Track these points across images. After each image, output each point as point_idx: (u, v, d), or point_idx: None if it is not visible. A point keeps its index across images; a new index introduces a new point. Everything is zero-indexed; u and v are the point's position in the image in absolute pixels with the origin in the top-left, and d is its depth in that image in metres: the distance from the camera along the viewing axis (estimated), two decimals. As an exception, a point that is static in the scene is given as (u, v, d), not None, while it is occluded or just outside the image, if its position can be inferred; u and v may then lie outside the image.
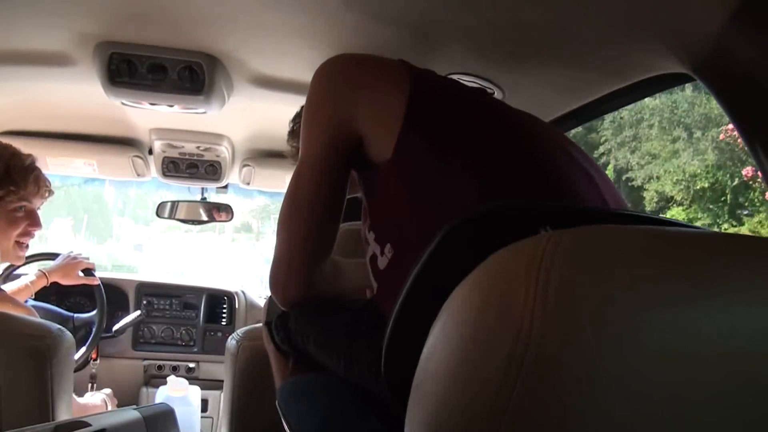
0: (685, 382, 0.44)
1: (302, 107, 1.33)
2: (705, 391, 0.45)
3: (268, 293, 1.51)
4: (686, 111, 12.41)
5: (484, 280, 0.51)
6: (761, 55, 0.92)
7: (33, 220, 1.89)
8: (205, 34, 1.47)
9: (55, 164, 2.60)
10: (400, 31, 1.33)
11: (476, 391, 0.45)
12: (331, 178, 1.12)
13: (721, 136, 10.38)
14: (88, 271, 2.48)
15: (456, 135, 1.00)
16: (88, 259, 2.51)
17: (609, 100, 1.46)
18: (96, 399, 2.29)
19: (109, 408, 2.30)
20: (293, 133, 1.66)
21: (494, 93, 1.49)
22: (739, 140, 9.48)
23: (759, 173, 1.14)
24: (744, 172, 9.57)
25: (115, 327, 2.77)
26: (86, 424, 1.18)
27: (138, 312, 2.94)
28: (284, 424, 1.17)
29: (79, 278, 2.46)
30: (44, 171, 2.42)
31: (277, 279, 1.17)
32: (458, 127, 1.01)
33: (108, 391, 2.48)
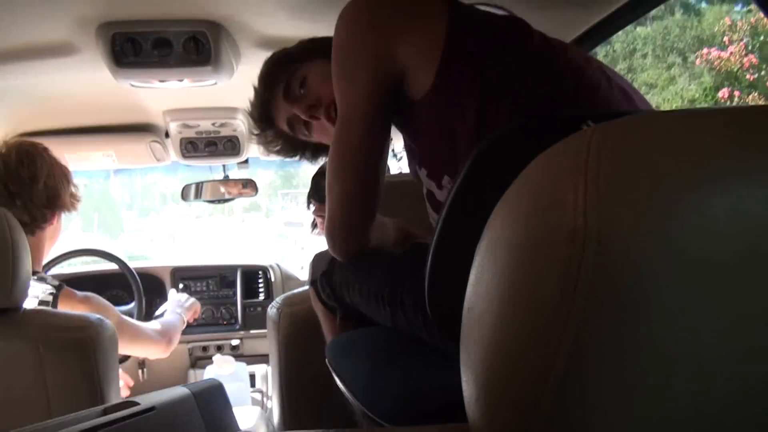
0: (752, 267, 0.41)
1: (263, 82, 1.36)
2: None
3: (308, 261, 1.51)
4: (678, 36, 12.23)
5: (528, 184, 0.47)
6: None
7: None
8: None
9: (74, 160, 2.58)
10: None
11: (535, 301, 0.42)
12: (380, 127, 1.10)
13: (698, 62, 10.19)
14: None
15: (494, 61, 0.99)
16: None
17: (629, 8, 1.39)
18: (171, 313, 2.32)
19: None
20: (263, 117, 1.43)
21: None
22: (717, 62, 9.29)
23: None
24: (720, 95, 9.39)
25: (156, 313, 2.80)
26: (135, 404, 1.17)
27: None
28: (337, 380, 1.16)
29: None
30: (63, 169, 2.44)
31: (335, 235, 1.17)
32: (496, 53, 1.00)
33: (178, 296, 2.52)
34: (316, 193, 1.90)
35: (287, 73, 1.33)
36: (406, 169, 2.00)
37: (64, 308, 1.73)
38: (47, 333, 1.42)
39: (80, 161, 2.61)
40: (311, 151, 1.52)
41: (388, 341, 1.12)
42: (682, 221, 0.39)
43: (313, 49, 1.34)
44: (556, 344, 0.41)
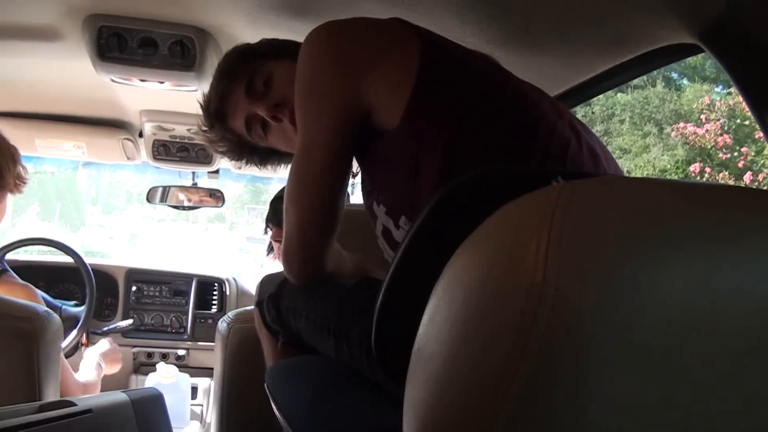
0: (698, 338, 0.41)
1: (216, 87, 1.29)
2: (717, 345, 0.42)
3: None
4: (657, 107, 12.55)
5: (492, 232, 0.48)
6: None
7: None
8: (197, 6, 1.43)
9: (44, 146, 2.55)
10: (394, 4, 1.29)
11: (487, 348, 0.42)
12: (342, 155, 1.08)
13: (673, 134, 10.47)
14: None
15: (466, 103, 0.97)
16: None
17: (614, 74, 1.42)
18: (91, 362, 2.23)
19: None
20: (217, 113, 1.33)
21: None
22: (692, 137, 9.56)
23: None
24: (692, 169, 9.64)
25: (105, 328, 2.77)
26: (71, 404, 1.15)
27: (130, 321, 2.95)
28: (273, 407, 1.14)
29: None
30: (33, 153, 2.40)
31: (291, 258, 1.14)
32: (469, 94, 0.98)
33: (104, 344, 2.34)
34: (274, 218, 1.88)
35: (252, 69, 1.26)
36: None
37: (2, 292, 1.68)
38: None
39: (50, 148, 2.58)
40: (260, 156, 1.44)
41: (329, 373, 1.10)
42: (636, 288, 0.40)
43: (283, 48, 1.29)
44: (502, 394, 0.41)
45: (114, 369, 2.31)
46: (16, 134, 1.88)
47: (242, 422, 1.68)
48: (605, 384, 0.40)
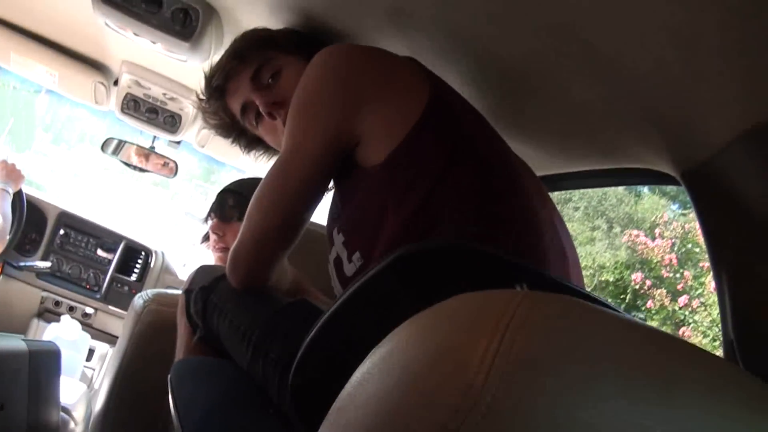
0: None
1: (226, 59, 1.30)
2: None
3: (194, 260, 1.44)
4: (613, 205, 12.82)
5: (446, 319, 0.46)
6: (752, 185, 0.91)
7: None
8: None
9: (18, 62, 2.47)
10: (408, 39, 1.28)
11: (407, 435, 0.41)
12: (321, 176, 1.06)
13: (624, 239, 10.74)
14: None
15: (454, 159, 0.96)
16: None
17: (591, 176, 1.44)
18: None
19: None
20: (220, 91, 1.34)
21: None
22: (641, 247, 9.80)
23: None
24: (634, 277, 9.89)
25: (22, 263, 2.68)
26: (-37, 341, 1.09)
27: (49, 263, 2.88)
28: (170, 400, 1.11)
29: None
30: (5, 65, 2.32)
31: (239, 262, 1.12)
32: (456, 155, 0.96)
33: None
34: (219, 209, 1.83)
35: (264, 57, 1.26)
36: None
37: None
38: None
39: (23, 66, 2.49)
40: (247, 140, 1.45)
41: (236, 385, 1.08)
42: (570, 420, 0.39)
43: (301, 45, 1.28)
44: None
45: (19, 184, 2.30)
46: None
47: (132, 404, 1.62)
48: None
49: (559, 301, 0.45)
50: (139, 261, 3.11)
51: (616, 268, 10.93)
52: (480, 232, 0.90)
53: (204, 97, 1.39)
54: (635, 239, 10.12)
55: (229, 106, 1.33)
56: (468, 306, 0.46)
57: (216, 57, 1.70)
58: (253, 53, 1.27)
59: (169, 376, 1.17)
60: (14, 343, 1.26)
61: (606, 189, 12.97)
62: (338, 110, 1.02)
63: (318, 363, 0.77)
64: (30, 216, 2.68)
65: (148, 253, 3.11)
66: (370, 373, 0.47)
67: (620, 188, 12.89)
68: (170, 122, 2.54)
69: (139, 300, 1.70)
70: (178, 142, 2.86)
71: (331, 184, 1.15)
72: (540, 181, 1.11)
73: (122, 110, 2.54)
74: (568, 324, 0.43)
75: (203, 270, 1.36)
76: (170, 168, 2.94)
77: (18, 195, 2.52)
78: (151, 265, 3.08)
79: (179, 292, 1.66)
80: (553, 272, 0.92)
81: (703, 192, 1.03)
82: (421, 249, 0.75)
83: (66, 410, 1.74)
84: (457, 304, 0.47)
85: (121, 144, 2.91)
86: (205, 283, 1.26)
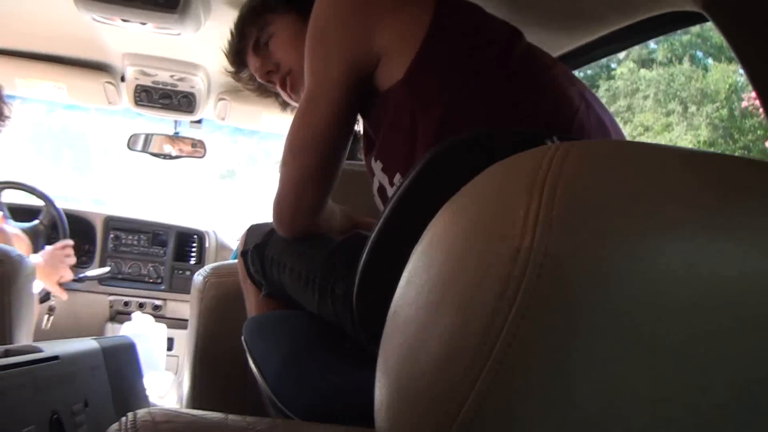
0: (696, 317, 0.38)
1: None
2: (715, 325, 0.39)
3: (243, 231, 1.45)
4: (683, 84, 12.31)
5: (478, 192, 0.44)
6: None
7: None
8: (183, -55, 1.37)
9: (24, 86, 2.49)
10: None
11: (465, 315, 0.39)
12: (346, 112, 1.05)
13: (744, 104, 10.28)
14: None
15: (473, 63, 0.95)
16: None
17: (615, 38, 1.38)
18: None
19: None
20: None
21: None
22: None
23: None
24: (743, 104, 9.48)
25: (81, 275, 2.74)
26: (38, 350, 1.12)
27: (107, 268, 2.93)
28: (250, 361, 1.12)
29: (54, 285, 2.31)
30: (12, 92, 2.34)
31: (283, 211, 1.12)
32: (477, 55, 0.96)
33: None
34: None
35: (258, 27, 1.28)
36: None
37: None
38: None
39: (30, 88, 2.51)
40: (282, 99, 1.46)
41: (310, 329, 1.08)
42: (629, 260, 0.37)
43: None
44: (480, 364, 0.38)
45: (49, 280, 2.25)
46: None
47: (215, 375, 1.66)
48: (591, 357, 0.37)
49: (593, 144, 0.42)
50: (194, 245, 3.15)
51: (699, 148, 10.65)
52: (513, 121, 0.89)
53: (232, 71, 1.45)
54: (754, 101, 9.75)
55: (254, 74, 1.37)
56: (498, 174, 0.44)
57: (208, 22, 1.69)
58: (248, 26, 1.30)
59: (242, 337, 1.19)
60: (86, 344, 1.30)
61: (672, 70, 12.43)
62: (354, 31, 1.01)
63: (376, 284, 0.77)
64: (77, 228, 2.73)
65: (201, 235, 3.15)
66: (415, 268, 0.46)
67: (686, 65, 12.33)
68: (185, 103, 2.54)
69: (198, 278, 1.73)
70: (199, 121, 2.87)
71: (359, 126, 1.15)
72: (563, 65, 1.07)
73: (136, 103, 2.55)
74: (611, 163, 0.40)
75: (253, 229, 1.38)
76: (200, 146, 2.95)
77: (56, 212, 2.56)
78: (206, 245, 3.13)
79: (234, 261, 1.68)
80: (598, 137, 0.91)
81: (730, 18, 0.98)
82: (449, 145, 0.73)
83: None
84: (486, 177, 0.45)
85: (147, 137, 2.93)
86: (257, 240, 1.27)
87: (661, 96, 12.41)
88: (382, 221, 0.77)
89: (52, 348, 1.17)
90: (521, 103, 0.92)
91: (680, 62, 12.41)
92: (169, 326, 2.92)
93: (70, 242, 2.36)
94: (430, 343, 0.41)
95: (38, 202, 2.66)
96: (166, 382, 2.27)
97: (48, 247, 2.30)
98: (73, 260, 2.33)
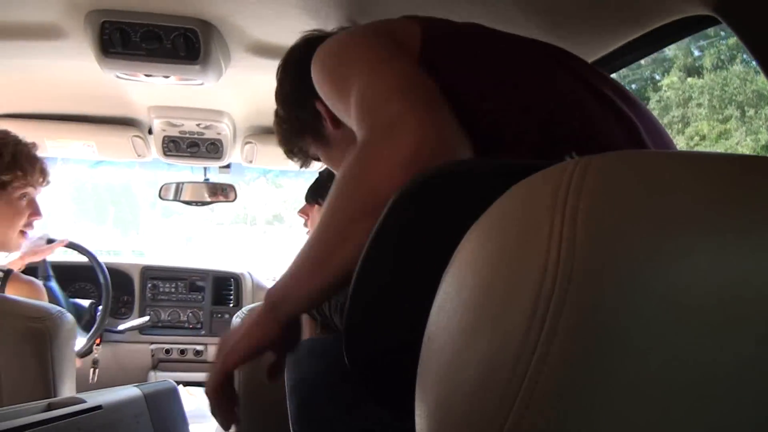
0: (728, 326, 0.38)
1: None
2: (747, 337, 0.39)
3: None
4: (738, 88, 12.00)
5: (502, 214, 0.45)
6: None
7: (35, 210, 1.89)
8: (199, -3, 1.41)
9: (54, 146, 2.55)
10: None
11: (498, 335, 0.40)
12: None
13: None
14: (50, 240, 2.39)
15: (469, 73, 0.88)
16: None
17: (626, 52, 1.38)
18: None
19: None
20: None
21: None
22: None
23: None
24: None
25: (122, 326, 2.79)
26: (81, 401, 1.14)
27: (147, 318, 2.98)
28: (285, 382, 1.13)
29: (45, 250, 2.36)
30: (43, 153, 2.40)
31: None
32: (472, 63, 0.89)
33: None
34: (307, 193, 1.80)
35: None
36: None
37: (12, 292, 1.70)
38: (4, 321, 1.39)
39: (60, 148, 2.57)
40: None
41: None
42: (656, 270, 0.37)
43: None
44: (516, 385, 0.39)
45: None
46: (25, 135, 1.89)
47: (259, 419, 1.66)
48: (625, 372, 0.38)
49: (614, 156, 0.42)
50: (231, 288, 3.18)
51: (759, 153, 10.41)
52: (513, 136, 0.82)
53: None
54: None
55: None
56: (520, 194, 0.45)
57: (229, 70, 1.72)
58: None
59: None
60: (128, 391, 1.31)
61: (725, 74, 12.05)
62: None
63: (364, 305, 0.71)
64: (116, 281, 2.78)
65: (237, 277, 3.18)
66: (446, 294, 0.47)
67: (738, 67, 11.95)
68: (213, 149, 2.59)
69: (236, 320, 1.74)
70: (228, 165, 2.91)
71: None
72: (579, 61, 1.00)
73: (165, 154, 2.60)
74: (631, 176, 0.40)
75: None
76: (228, 192, 3.00)
77: (97, 266, 2.60)
78: (243, 287, 3.15)
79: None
80: (621, 138, 0.84)
81: (743, 18, 0.97)
82: (416, 181, 0.68)
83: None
84: (509, 198, 0.45)
85: (179, 186, 2.98)
86: None
87: (716, 102, 12.10)
88: (360, 261, 0.73)
89: (94, 398, 1.19)
90: (524, 114, 0.84)
91: (730, 66, 12.02)
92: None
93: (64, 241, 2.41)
94: (467, 368, 0.42)
95: (81, 258, 2.70)
96: (210, 430, 2.27)
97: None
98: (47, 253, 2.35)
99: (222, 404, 0.97)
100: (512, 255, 0.41)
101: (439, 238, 0.53)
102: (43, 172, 1.89)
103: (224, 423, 0.99)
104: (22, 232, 1.88)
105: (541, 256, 0.39)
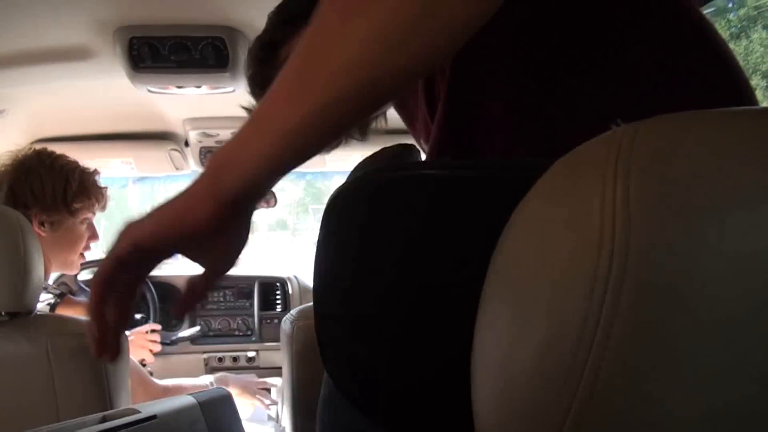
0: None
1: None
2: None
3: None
4: (760, 57, 11.67)
5: (548, 191, 0.43)
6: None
7: (93, 233, 1.96)
8: (224, 6, 1.41)
9: (94, 166, 2.58)
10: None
11: (555, 324, 0.38)
12: None
13: None
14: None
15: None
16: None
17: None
18: (204, 381, 2.27)
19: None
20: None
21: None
22: None
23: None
24: None
25: (174, 338, 2.82)
26: (135, 411, 1.14)
27: (198, 328, 3.01)
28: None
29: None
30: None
31: None
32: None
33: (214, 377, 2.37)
34: None
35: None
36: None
37: (65, 313, 1.73)
38: (58, 338, 1.41)
39: (100, 168, 2.60)
40: None
41: None
42: (718, 238, 0.35)
43: None
44: (578, 373, 0.37)
45: (244, 400, 2.42)
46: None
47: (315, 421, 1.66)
48: (693, 351, 0.35)
49: (661, 120, 0.40)
50: (278, 292, 3.19)
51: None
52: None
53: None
54: None
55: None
56: (566, 170, 0.42)
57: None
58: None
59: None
60: (182, 400, 1.31)
61: (745, 45, 11.70)
62: None
63: (330, 319, 0.63)
64: (163, 294, 2.81)
65: (283, 281, 3.19)
66: (494, 283, 0.45)
67: (756, 34, 11.60)
68: (250, 157, 2.59)
69: (286, 323, 1.74)
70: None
71: None
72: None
73: (203, 164, 2.62)
74: (682, 139, 0.38)
75: None
76: (268, 198, 3.00)
77: (144, 282, 2.64)
78: (290, 291, 3.16)
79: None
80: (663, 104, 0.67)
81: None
82: (343, 189, 0.62)
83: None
84: (553, 174, 0.43)
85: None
86: None
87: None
88: (315, 267, 0.64)
89: (149, 408, 1.19)
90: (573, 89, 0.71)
91: (750, 34, 11.64)
92: (265, 376, 2.95)
93: (158, 327, 2.42)
94: (523, 358, 0.40)
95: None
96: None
97: (135, 329, 2.37)
98: (158, 347, 2.38)
99: (99, 309, 0.66)
100: (562, 235, 0.39)
101: (395, 240, 0.53)
102: (105, 198, 1.93)
103: (98, 344, 0.68)
104: (81, 254, 1.94)
105: (594, 231, 0.37)
